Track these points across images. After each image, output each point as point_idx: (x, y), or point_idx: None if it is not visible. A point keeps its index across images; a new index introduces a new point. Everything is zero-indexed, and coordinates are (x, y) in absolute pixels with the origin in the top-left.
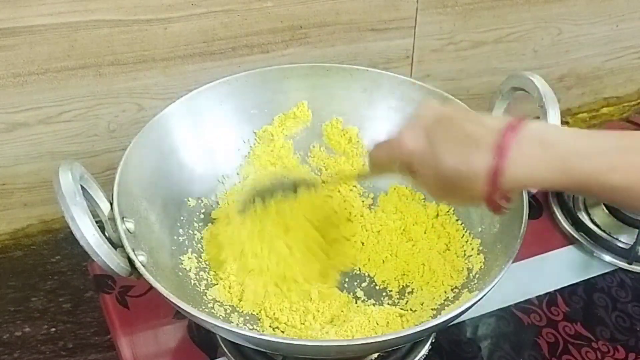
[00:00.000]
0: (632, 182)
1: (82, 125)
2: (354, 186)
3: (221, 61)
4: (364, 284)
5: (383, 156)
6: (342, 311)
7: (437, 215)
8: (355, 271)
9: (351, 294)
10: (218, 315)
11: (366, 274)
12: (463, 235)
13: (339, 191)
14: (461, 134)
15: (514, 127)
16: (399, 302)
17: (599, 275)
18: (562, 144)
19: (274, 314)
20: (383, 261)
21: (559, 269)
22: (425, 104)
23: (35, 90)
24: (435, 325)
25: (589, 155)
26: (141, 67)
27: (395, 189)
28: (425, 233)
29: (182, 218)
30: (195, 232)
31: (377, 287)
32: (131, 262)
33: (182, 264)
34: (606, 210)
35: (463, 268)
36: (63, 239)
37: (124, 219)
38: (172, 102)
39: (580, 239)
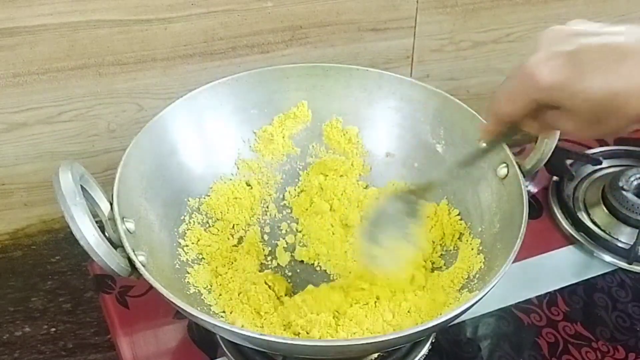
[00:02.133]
0: None
1: (82, 125)
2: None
3: (221, 61)
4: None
5: (516, 104)
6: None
7: (436, 213)
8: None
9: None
10: (218, 315)
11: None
12: (463, 234)
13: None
14: (606, 49)
15: None
16: None
17: (599, 275)
18: None
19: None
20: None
21: (559, 269)
22: (547, 30)
23: (35, 90)
24: (435, 325)
25: None
26: (141, 67)
27: (393, 183)
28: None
29: (182, 218)
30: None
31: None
32: (131, 262)
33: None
34: (606, 210)
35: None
36: (63, 239)
37: (124, 219)
38: (172, 102)
39: (580, 239)
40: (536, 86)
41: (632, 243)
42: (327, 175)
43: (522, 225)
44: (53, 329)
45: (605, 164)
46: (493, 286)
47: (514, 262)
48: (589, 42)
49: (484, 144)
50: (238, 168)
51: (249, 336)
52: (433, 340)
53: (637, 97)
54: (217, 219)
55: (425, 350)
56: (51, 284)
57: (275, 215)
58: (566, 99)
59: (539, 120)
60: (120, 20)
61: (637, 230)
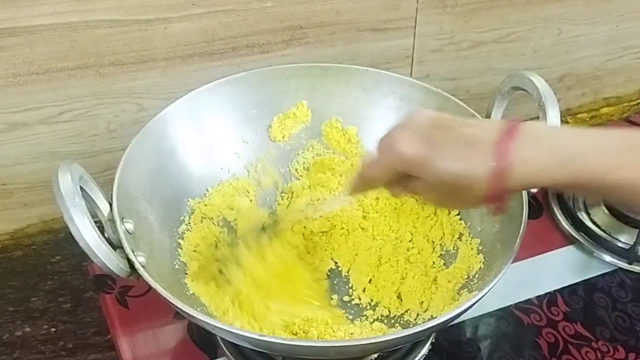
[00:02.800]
0: (634, 180)
1: (82, 125)
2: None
3: (221, 61)
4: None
5: (378, 169)
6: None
7: (435, 213)
8: (349, 275)
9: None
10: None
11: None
12: (462, 234)
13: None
14: (459, 138)
15: (514, 127)
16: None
17: (599, 275)
18: (563, 142)
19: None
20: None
21: (559, 269)
22: (415, 111)
23: (35, 90)
24: (435, 325)
25: (590, 153)
26: (141, 67)
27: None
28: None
29: (182, 218)
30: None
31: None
32: (131, 263)
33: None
34: (606, 211)
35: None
36: (63, 239)
37: (124, 219)
38: (172, 102)
39: (580, 239)
40: (397, 157)
41: (632, 243)
42: (326, 175)
43: (522, 225)
44: (53, 329)
45: None
46: (493, 286)
47: (514, 262)
48: (450, 129)
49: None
50: (237, 168)
51: (249, 337)
52: (433, 340)
53: (479, 181)
54: (217, 219)
55: (425, 350)
56: (51, 284)
57: (274, 214)
58: (422, 173)
59: (403, 185)
60: (120, 20)
61: (637, 230)
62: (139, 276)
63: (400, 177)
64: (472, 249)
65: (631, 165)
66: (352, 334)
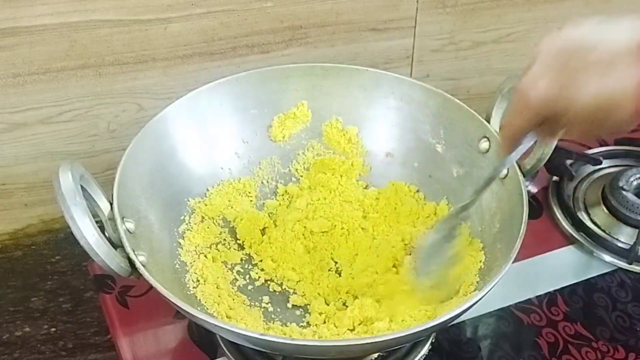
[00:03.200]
0: None
1: (82, 125)
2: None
3: (221, 61)
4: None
5: (522, 120)
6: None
7: (435, 212)
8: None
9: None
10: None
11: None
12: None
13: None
14: (595, 59)
15: None
16: None
17: (599, 275)
18: None
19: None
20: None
21: (559, 269)
22: (543, 44)
23: (35, 90)
24: (435, 325)
25: None
26: (141, 67)
27: (393, 184)
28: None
29: (182, 218)
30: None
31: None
32: (131, 262)
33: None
34: (606, 210)
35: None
36: (63, 239)
37: (124, 219)
38: (172, 102)
39: (580, 239)
40: (531, 101)
41: (632, 243)
42: (326, 175)
43: (522, 225)
44: (53, 329)
45: (605, 164)
46: (493, 286)
47: (514, 262)
48: (579, 53)
49: (505, 170)
50: (237, 168)
51: (249, 336)
52: (433, 340)
53: (626, 97)
54: (217, 219)
55: (425, 350)
56: (51, 284)
57: (274, 215)
58: (564, 108)
59: (546, 129)
60: (120, 20)
61: (637, 230)
62: (140, 275)
63: (539, 123)
64: (472, 249)
65: None
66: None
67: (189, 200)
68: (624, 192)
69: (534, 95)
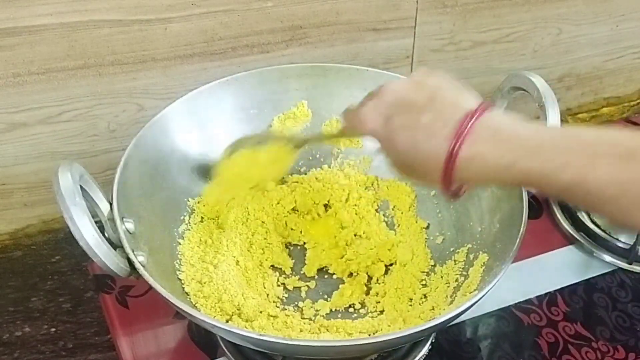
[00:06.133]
0: (580, 181)
1: (82, 125)
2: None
3: (221, 61)
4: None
5: (350, 126)
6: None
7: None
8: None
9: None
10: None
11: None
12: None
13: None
14: (418, 126)
15: (472, 116)
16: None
17: (599, 275)
18: (514, 137)
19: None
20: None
21: (559, 269)
22: (388, 84)
23: (35, 90)
24: (435, 325)
25: (538, 150)
26: (141, 67)
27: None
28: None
29: (182, 218)
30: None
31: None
32: (131, 263)
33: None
34: None
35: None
36: (63, 239)
37: (124, 219)
38: (172, 102)
39: (580, 239)
40: (361, 128)
41: (632, 243)
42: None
43: (522, 225)
44: (53, 329)
45: None
46: (493, 286)
47: (514, 262)
48: (411, 111)
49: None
50: None
51: (249, 336)
52: (433, 340)
53: (432, 168)
54: (217, 219)
55: (425, 350)
56: (51, 284)
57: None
58: (383, 148)
59: None
60: (120, 20)
61: (637, 231)
62: (139, 275)
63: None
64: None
65: (581, 166)
66: (350, 333)
67: (188, 201)
68: None
69: (363, 123)
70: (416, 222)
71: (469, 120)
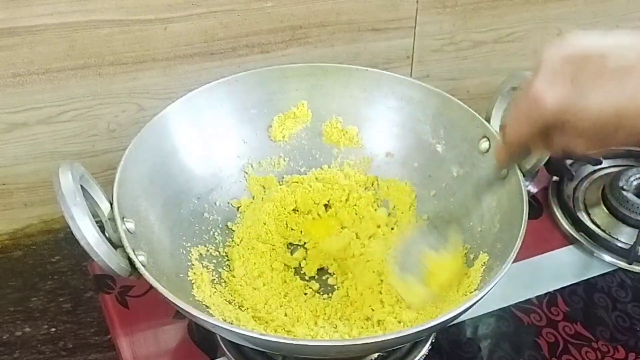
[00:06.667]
0: None
1: (82, 125)
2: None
3: (221, 61)
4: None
5: (524, 128)
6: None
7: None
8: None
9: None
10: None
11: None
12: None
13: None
14: (606, 67)
15: None
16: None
17: (599, 275)
18: None
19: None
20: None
21: (559, 269)
22: (547, 52)
23: (35, 90)
24: (435, 325)
25: None
26: (141, 67)
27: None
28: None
29: (182, 218)
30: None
31: None
32: (131, 262)
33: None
34: (606, 210)
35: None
36: (63, 239)
37: (124, 219)
38: (172, 102)
39: (580, 239)
40: (542, 109)
41: (632, 243)
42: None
43: (522, 225)
44: (53, 329)
45: (605, 164)
46: (493, 286)
47: (514, 262)
48: (590, 61)
49: (503, 171)
50: (237, 168)
51: (249, 336)
52: (433, 340)
53: (636, 111)
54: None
55: (425, 350)
56: (51, 284)
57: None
58: (571, 119)
59: (549, 142)
60: (120, 20)
61: (637, 230)
62: (140, 275)
63: (545, 133)
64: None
65: None
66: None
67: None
68: (624, 192)
69: (543, 103)
70: (416, 222)
71: None
